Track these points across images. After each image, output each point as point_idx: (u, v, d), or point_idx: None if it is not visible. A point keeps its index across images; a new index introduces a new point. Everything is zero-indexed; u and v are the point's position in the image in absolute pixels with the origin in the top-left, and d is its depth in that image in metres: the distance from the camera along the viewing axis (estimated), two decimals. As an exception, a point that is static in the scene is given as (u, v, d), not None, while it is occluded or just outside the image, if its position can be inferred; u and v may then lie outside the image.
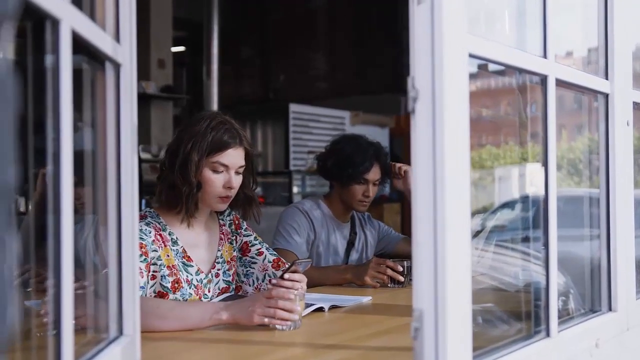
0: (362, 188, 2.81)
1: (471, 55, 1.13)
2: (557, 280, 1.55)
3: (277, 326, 1.71)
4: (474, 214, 1.68)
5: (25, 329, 1.21)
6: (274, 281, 1.92)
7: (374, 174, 2.82)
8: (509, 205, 1.96)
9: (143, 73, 6.78)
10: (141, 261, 1.86)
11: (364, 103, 8.34)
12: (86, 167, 1.18)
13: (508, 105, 1.76)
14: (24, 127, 0.96)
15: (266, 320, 1.70)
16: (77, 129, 1.10)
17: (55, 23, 0.89)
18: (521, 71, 1.42)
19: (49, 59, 0.91)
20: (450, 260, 1.04)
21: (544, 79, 1.39)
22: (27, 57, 0.95)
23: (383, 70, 8.49)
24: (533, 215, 1.64)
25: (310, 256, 2.78)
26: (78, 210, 1.08)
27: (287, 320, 1.71)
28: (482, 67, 1.36)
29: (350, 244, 2.94)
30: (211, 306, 1.77)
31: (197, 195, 2.00)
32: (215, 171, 2.00)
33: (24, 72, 0.94)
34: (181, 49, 9.27)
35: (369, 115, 8.22)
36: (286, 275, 1.89)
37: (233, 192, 2.04)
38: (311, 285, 2.45)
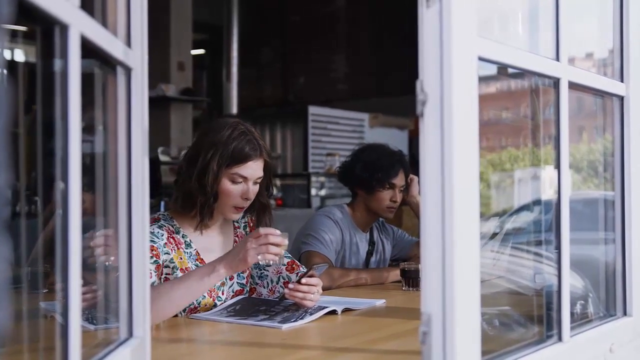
0: (389, 193, 2.83)
1: (481, 59, 1.13)
2: (576, 283, 1.54)
3: (264, 262, 1.83)
4: (491, 216, 1.67)
5: (38, 329, 1.22)
6: (291, 285, 1.93)
7: (401, 179, 2.85)
8: (527, 207, 1.94)
9: (163, 76, 6.82)
10: (151, 262, 1.88)
11: (383, 105, 8.33)
12: (97, 170, 1.19)
13: (527, 107, 1.75)
14: (34, 131, 0.97)
15: (259, 257, 1.80)
16: (89, 132, 1.11)
17: (64, 28, 0.90)
18: (533, 74, 1.41)
19: (58, 64, 0.92)
20: (458, 265, 1.03)
21: (556, 82, 1.37)
22: (36, 62, 0.96)
23: (402, 72, 8.45)
24: (550, 218, 1.62)
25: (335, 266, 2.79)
26: (89, 213, 1.09)
27: (277, 254, 1.82)
28: (502, 70, 1.36)
29: (369, 254, 2.95)
30: (205, 268, 1.84)
31: (214, 205, 2.00)
32: (233, 182, 1.99)
33: (34, 77, 0.96)
34: (201, 51, 9.33)
35: (388, 117, 8.21)
36: (303, 280, 1.89)
37: (248, 203, 2.04)
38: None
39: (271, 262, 1.86)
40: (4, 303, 0.46)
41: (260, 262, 1.85)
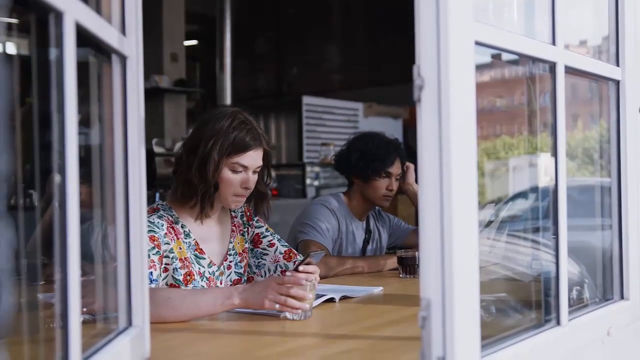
0: (385, 182, 2.83)
1: (477, 43, 1.12)
2: (572, 269, 1.55)
3: (287, 315, 1.73)
4: (487, 203, 1.67)
5: (36, 321, 1.22)
6: (288, 273, 1.93)
7: (397, 167, 2.85)
8: (522, 195, 1.95)
9: (156, 67, 6.80)
10: (153, 253, 1.87)
11: (378, 94, 8.32)
12: (94, 160, 1.18)
13: (522, 95, 1.75)
14: (30, 122, 0.97)
15: (277, 306, 1.71)
16: (84, 122, 1.10)
17: (59, 16, 0.89)
18: (529, 59, 1.41)
19: (53, 53, 0.91)
20: (457, 250, 1.03)
21: (552, 66, 1.37)
22: (32, 51, 0.95)
23: (396, 61, 8.44)
24: (546, 205, 1.63)
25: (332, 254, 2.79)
26: (86, 205, 1.09)
27: (297, 308, 1.71)
28: (497, 57, 1.35)
29: (366, 243, 2.95)
30: (222, 291, 1.78)
31: (214, 195, 2.00)
32: (234, 171, 1.99)
33: (28, 70, 0.95)
34: (194, 42, 9.29)
35: (383, 106, 8.20)
36: (300, 268, 1.89)
37: (249, 192, 2.04)
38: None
39: (287, 315, 1.73)
40: (9, 289, 0.46)
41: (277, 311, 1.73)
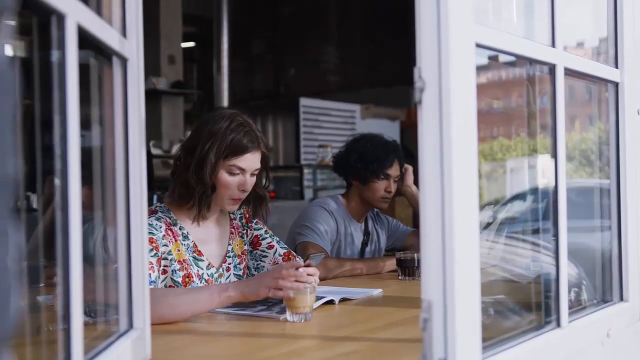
0: (384, 184, 2.83)
1: (478, 45, 1.13)
2: (569, 271, 1.55)
3: (287, 317, 1.73)
4: (485, 205, 1.68)
5: (37, 323, 1.22)
6: None
7: (395, 169, 2.85)
8: (520, 196, 1.95)
9: (153, 69, 6.80)
10: (152, 255, 1.87)
11: (375, 96, 8.33)
12: (95, 162, 1.18)
13: (519, 96, 1.75)
14: (32, 124, 0.97)
15: (270, 293, 1.73)
16: (85, 124, 1.10)
17: (61, 18, 0.89)
18: (529, 61, 1.41)
19: (55, 55, 0.91)
20: (458, 251, 1.03)
21: (552, 68, 1.37)
22: (33, 54, 0.95)
23: (393, 62, 8.48)
24: (544, 207, 1.63)
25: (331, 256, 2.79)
26: (86, 206, 1.08)
27: (294, 289, 1.72)
28: (493, 59, 1.35)
29: (364, 244, 2.95)
30: (218, 286, 1.80)
31: (211, 197, 2.00)
32: (231, 173, 1.99)
33: (31, 69, 0.95)
34: (191, 44, 9.29)
35: (380, 108, 8.21)
36: (300, 270, 1.89)
37: (245, 194, 2.04)
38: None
39: (288, 317, 1.74)
40: (16, 292, 0.46)
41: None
